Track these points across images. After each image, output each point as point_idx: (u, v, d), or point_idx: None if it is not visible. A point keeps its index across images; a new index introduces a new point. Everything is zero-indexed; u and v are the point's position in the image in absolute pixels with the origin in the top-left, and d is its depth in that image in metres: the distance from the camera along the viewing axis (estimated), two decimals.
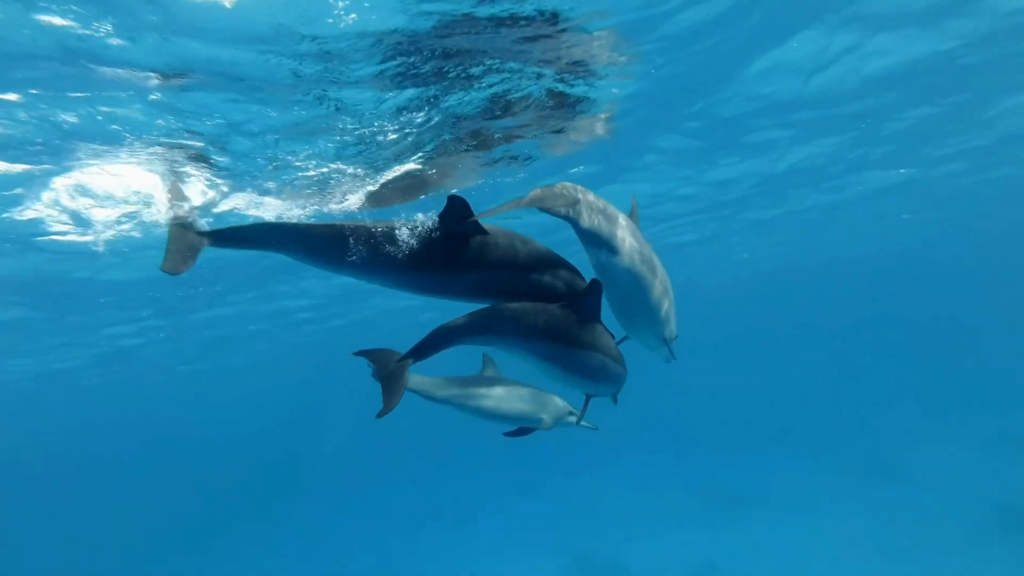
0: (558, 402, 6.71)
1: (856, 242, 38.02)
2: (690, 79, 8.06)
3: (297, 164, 7.56)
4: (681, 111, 9.82)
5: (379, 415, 3.70)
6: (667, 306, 5.48)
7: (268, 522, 31.90)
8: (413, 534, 26.18)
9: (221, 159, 7.23)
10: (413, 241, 3.89)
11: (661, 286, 5.28)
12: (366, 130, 6.93)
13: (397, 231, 3.93)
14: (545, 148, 8.64)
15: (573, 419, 6.55)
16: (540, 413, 6.57)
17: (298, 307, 23.04)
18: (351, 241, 3.91)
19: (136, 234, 9.61)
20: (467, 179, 9.25)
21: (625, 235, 4.76)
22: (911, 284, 71.63)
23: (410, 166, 8.03)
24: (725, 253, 30.77)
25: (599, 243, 4.57)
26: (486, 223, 4.03)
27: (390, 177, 8.18)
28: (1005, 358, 34.86)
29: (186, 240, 4.28)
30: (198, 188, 8.35)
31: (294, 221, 4.28)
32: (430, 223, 3.96)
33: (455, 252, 3.90)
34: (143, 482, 52.11)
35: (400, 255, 3.87)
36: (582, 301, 4.17)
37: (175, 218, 4.39)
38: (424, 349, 3.81)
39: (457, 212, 3.74)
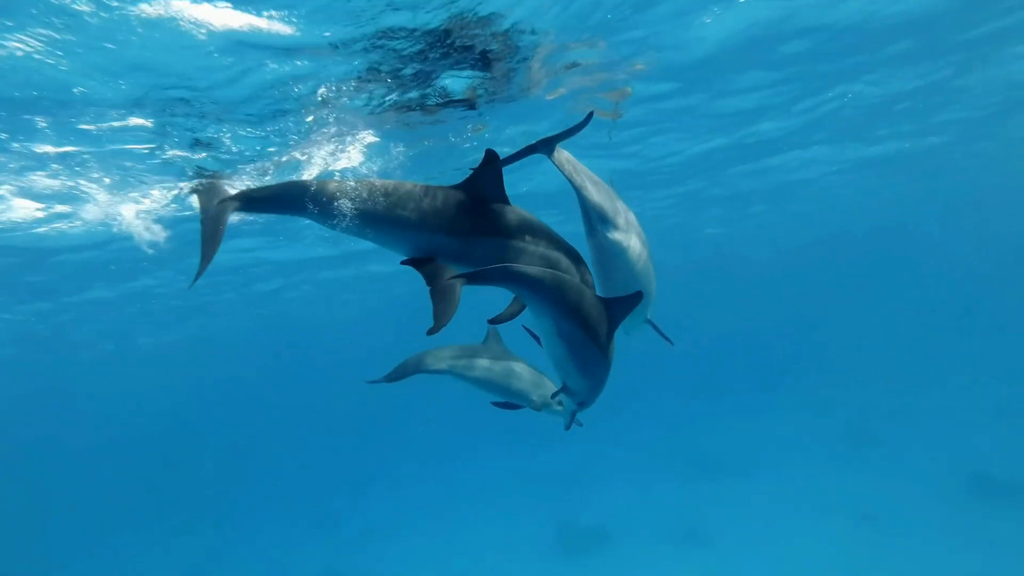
0: (552, 387, 6.68)
1: (838, 213, 38.35)
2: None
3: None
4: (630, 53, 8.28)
5: (430, 331, 3.52)
6: (654, 286, 5.36)
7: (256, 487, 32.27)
8: (398, 498, 26.53)
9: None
10: (442, 202, 3.85)
11: (652, 266, 5.22)
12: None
13: (426, 192, 3.87)
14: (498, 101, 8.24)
15: (561, 408, 6.49)
16: (532, 394, 6.59)
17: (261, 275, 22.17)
18: (386, 200, 3.82)
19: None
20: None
21: (626, 212, 4.69)
22: (894, 256, 72.96)
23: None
24: (696, 225, 30.75)
25: (605, 219, 4.46)
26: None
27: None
28: (985, 331, 35.70)
29: (216, 215, 3.96)
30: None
31: (326, 180, 3.93)
32: (456, 187, 3.93)
33: (480, 216, 3.89)
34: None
35: (428, 216, 3.82)
36: (618, 305, 4.07)
37: (202, 190, 4.08)
38: (479, 277, 3.66)
39: (492, 163, 3.75)
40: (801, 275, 76.16)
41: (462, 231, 3.86)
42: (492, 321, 4.32)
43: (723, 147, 15.45)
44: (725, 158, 16.84)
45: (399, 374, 6.64)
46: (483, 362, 6.62)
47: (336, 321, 44.00)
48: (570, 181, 4.41)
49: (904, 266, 72.25)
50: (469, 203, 3.86)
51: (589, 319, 3.96)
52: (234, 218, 4.14)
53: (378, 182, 3.87)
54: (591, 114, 4.10)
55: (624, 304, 4.03)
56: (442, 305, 3.59)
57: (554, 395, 4.84)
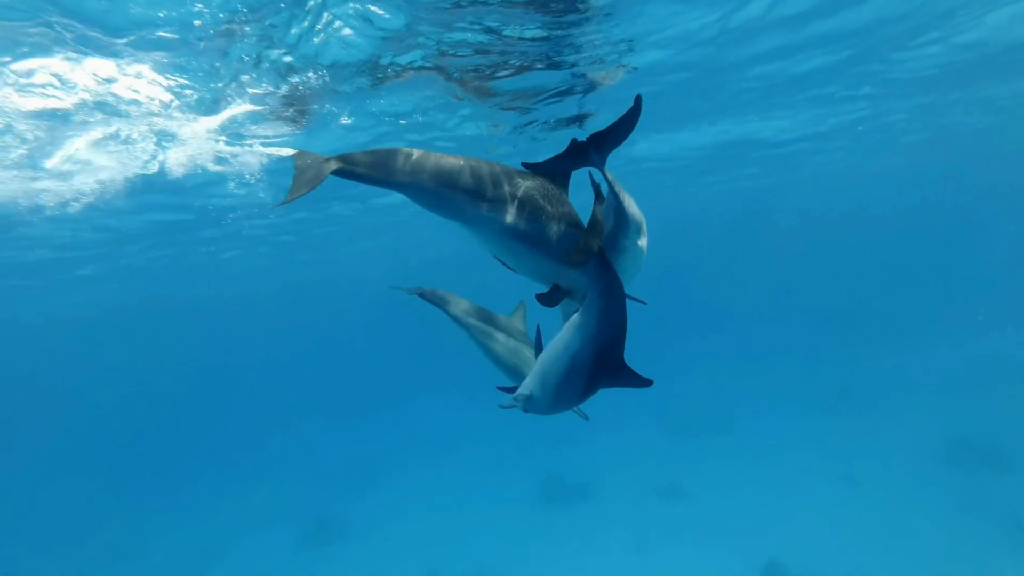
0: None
1: (823, 180, 38.00)
2: None
3: None
4: None
5: (577, 256, 3.63)
6: None
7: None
8: (389, 449, 27.22)
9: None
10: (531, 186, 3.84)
11: None
12: None
13: (514, 174, 3.82)
14: None
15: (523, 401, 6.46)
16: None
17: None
18: (501, 183, 3.73)
19: None
20: None
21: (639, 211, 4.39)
22: (883, 222, 72.91)
23: None
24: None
25: (639, 228, 4.19)
26: None
27: None
28: (969, 298, 35.89)
29: (310, 167, 3.70)
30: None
31: (428, 152, 3.68)
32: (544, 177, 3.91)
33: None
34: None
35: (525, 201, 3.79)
36: (627, 375, 3.94)
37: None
38: (607, 268, 3.79)
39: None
40: (789, 237, 76.13)
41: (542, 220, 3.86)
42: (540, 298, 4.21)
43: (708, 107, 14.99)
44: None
45: (423, 294, 6.53)
46: (496, 333, 6.52)
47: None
48: (611, 188, 4.11)
49: (890, 231, 72.41)
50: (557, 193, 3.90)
51: (603, 364, 3.89)
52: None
53: (478, 161, 3.71)
54: (639, 99, 3.52)
55: (631, 379, 3.95)
56: (584, 250, 3.72)
57: (515, 394, 4.64)
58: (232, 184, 13.27)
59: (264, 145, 10.29)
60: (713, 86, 12.04)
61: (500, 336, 6.53)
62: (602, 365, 3.82)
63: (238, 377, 62.27)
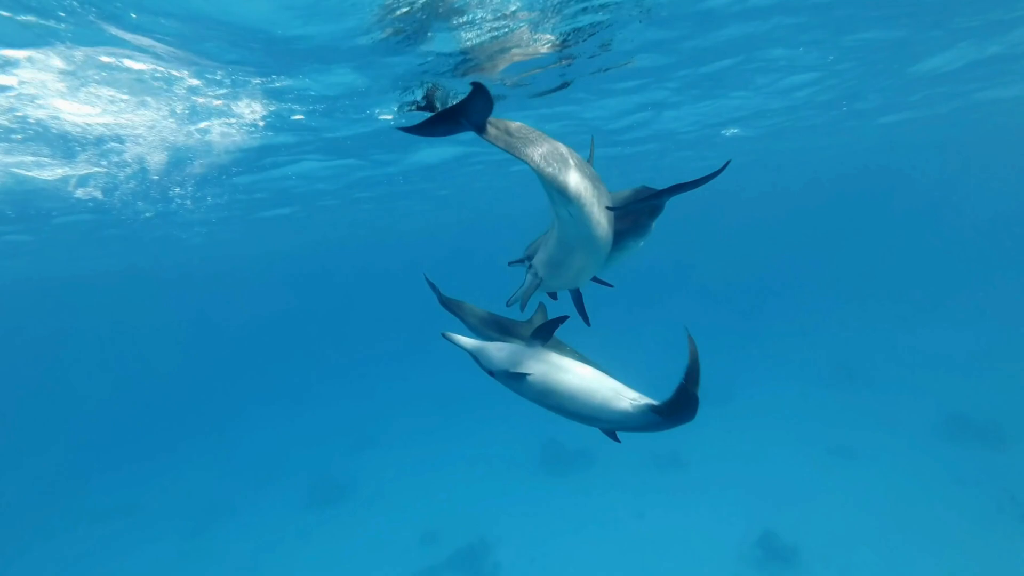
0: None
1: (829, 152, 37.52)
2: None
3: None
4: None
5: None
6: None
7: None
8: (389, 410, 27.49)
9: None
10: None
11: None
12: None
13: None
14: None
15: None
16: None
17: None
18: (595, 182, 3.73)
19: None
20: None
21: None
22: (886, 198, 72.20)
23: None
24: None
25: (649, 234, 4.26)
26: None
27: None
28: (971, 275, 35.64)
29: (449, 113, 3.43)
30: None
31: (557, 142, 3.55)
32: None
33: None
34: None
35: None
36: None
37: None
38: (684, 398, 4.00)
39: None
40: (792, 209, 75.62)
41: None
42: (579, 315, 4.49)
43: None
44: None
45: (443, 301, 6.35)
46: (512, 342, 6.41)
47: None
48: (656, 216, 4.25)
49: (895, 207, 71.76)
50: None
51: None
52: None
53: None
54: (727, 165, 3.65)
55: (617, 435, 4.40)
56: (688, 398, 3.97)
57: (509, 367, 4.55)
58: None
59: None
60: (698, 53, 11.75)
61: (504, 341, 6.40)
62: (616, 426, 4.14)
63: (240, 339, 62.68)
